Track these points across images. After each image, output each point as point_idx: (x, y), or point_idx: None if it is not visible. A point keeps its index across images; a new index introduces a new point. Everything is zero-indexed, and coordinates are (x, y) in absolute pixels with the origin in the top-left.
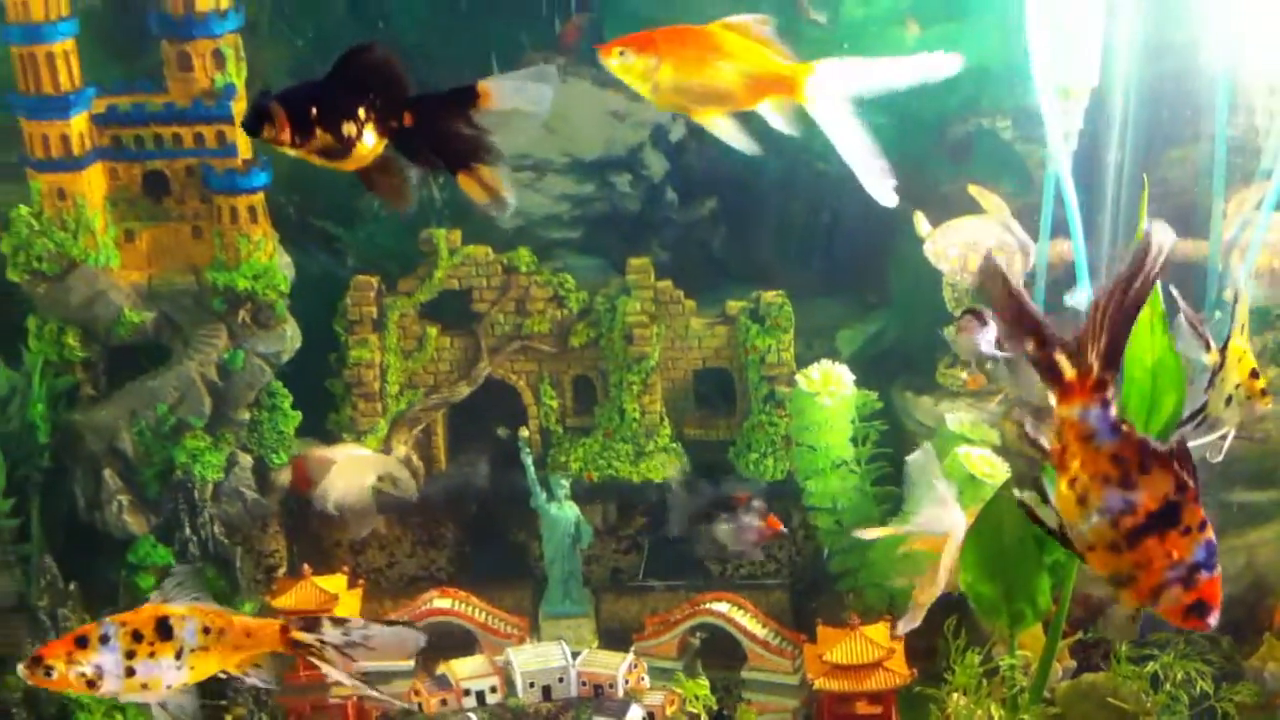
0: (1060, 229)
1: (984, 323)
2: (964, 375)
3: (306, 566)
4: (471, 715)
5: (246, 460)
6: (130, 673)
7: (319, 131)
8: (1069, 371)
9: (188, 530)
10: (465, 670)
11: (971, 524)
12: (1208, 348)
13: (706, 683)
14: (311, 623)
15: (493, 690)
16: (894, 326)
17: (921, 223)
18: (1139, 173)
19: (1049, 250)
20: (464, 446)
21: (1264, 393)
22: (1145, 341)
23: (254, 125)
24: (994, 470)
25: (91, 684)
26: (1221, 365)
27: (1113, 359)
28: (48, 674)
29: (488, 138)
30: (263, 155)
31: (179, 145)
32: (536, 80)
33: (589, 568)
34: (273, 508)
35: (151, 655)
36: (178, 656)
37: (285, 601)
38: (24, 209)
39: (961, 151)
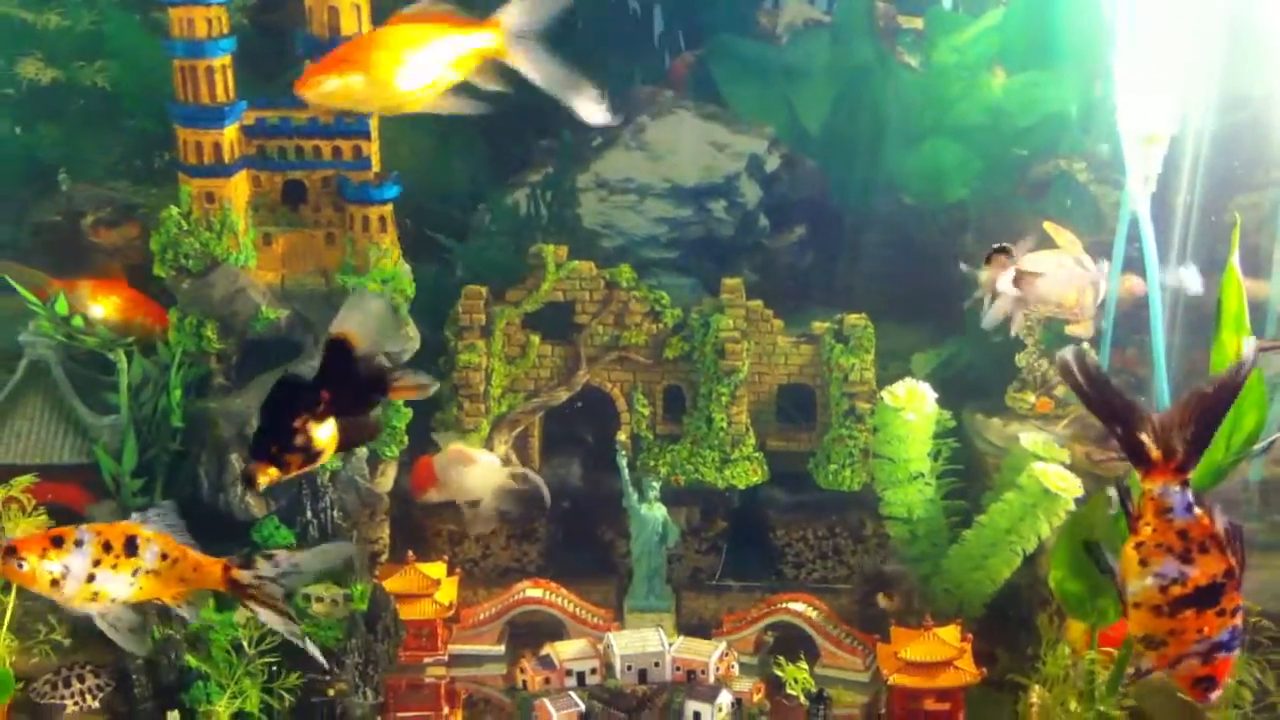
0: (1130, 266)
1: (1012, 260)
2: (1032, 399)
3: (411, 553)
4: (573, 694)
5: (362, 452)
6: (90, 579)
7: (290, 459)
8: (1154, 452)
9: (309, 514)
10: (568, 652)
11: (1063, 526)
12: None
13: (806, 666)
14: (248, 561)
15: (593, 672)
16: (966, 352)
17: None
18: (1209, 216)
19: (1120, 284)
20: (558, 449)
21: None
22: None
23: (251, 483)
24: (1067, 485)
25: (55, 583)
26: None
27: (1198, 447)
28: (20, 565)
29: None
30: (392, 170)
31: (318, 157)
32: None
33: (671, 566)
34: (382, 498)
35: (114, 568)
36: (133, 574)
37: (393, 585)
38: (174, 210)
39: (1040, 191)
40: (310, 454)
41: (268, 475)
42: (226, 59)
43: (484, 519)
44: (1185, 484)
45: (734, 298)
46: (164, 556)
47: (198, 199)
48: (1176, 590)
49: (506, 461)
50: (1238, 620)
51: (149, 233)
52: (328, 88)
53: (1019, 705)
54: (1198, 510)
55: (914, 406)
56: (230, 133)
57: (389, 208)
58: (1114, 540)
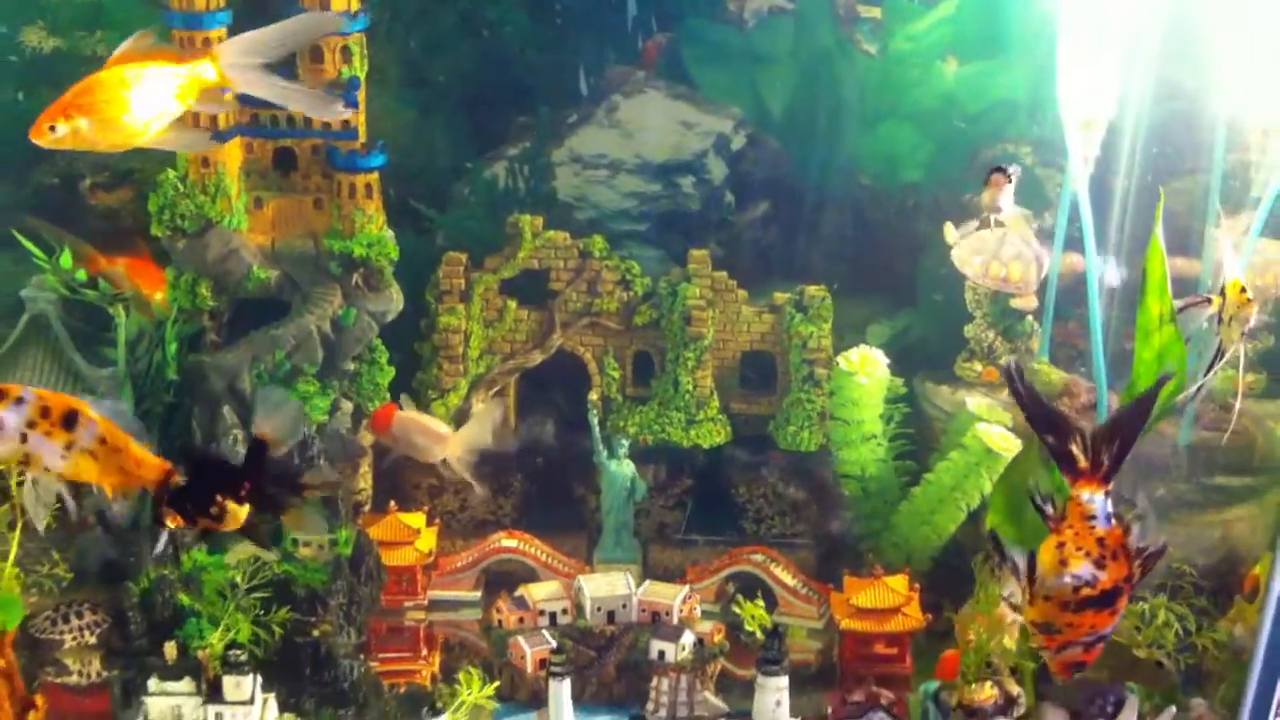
0: (1071, 244)
1: (1010, 180)
2: (979, 368)
3: (393, 503)
4: (545, 633)
5: (348, 406)
6: (23, 439)
7: (200, 519)
8: (1082, 461)
9: (297, 462)
10: (542, 594)
11: (1001, 475)
12: (1209, 301)
13: (763, 603)
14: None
15: (564, 612)
16: (918, 324)
17: (951, 233)
18: (1143, 198)
19: (1061, 261)
20: (533, 408)
21: (1249, 300)
22: (1155, 332)
23: (159, 522)
24: (1008, 445)
25: None
26: (1223, 301)
27: (1119, 460)
28: None
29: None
30: (379, 140)
31: (308, 127)
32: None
33: (639, 521)
34: (365, 450)
35: (47, 434)
36: (66, 448)
37: (376, 532)
38: (172, 173)
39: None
40: (220, 520)
41: (175, 522)
42: (222, 31)
43: (464, 476)
44: (1108, 494)
45: (700, 269)
46: (103, 441)
47: (194, 163)
48: (1087, 591)
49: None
50: (1120, 617)
51: (144, 196)
52: (58, 134)
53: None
54: (1114, 521)
55: (867, 371)
56: (226, 100)
57: (375, 176)
58: (1045, 488)
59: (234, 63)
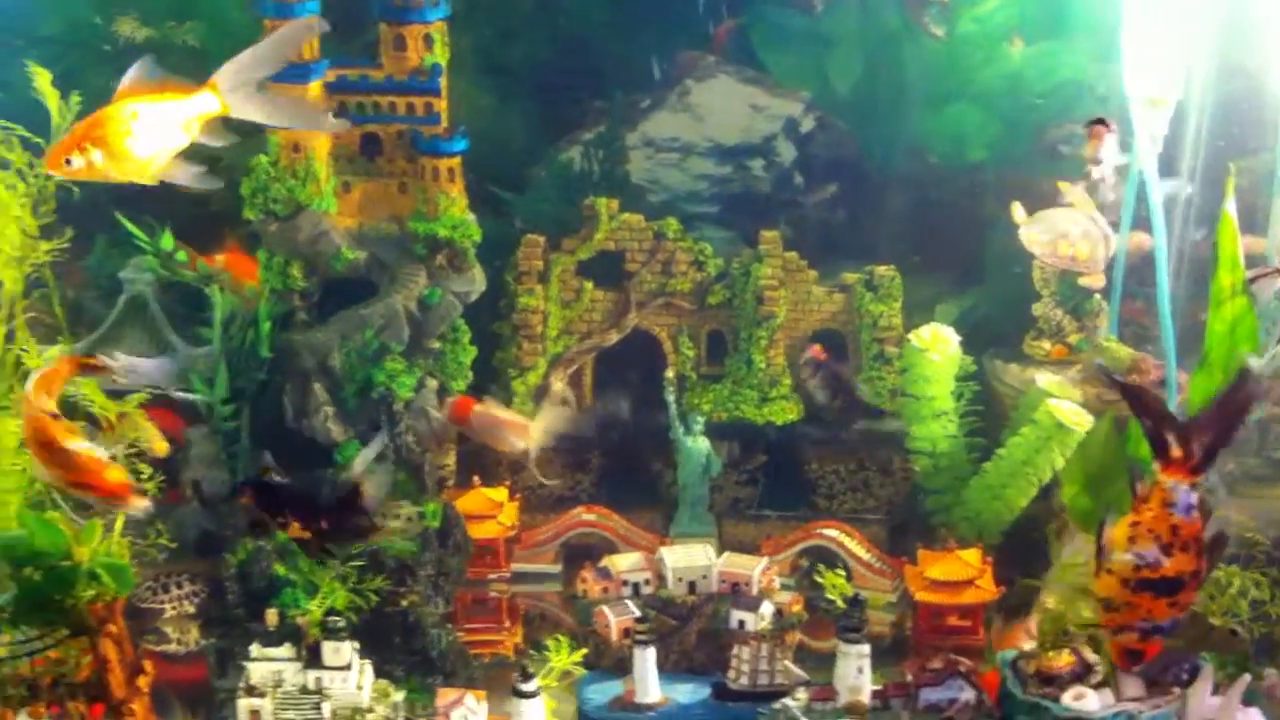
0: (1138, 223)
1: (1110, 130)
2: (1048, 346)
3: (476, 478)
4: (629, 602)
5: (432, 384)
6: None
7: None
8: (1175, 450)
9: (386, 438)
10: (625, 564)
11: (1076, 449)
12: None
13: (844, 573)
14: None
15: (646, 583)
16: (986, 302)
17: (1018, 212)
18: (1210, 176)
19: (1129, 240)
20: (609, 387)
21: None
22: (1227, 303)
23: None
24: (1080, 419)
25: None
26: None
27: (1212, 454)
28: None
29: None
30: (459, 125)
31: (393, 112)
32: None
33: (712, 496)
34: (449, 427)
35: None
36: None
37: (462, 505)
38: (264, 158)
39: (1055, 152)
40: (281, 528)
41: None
42: (312, 20)
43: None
44: (1194, 485)
45: (772, 249)
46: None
47: (285, 149)
48: (1146, 573)
49: (562, 401)
50: (1182, 614)
51: (233, 182)
52: (74, 166)
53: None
54: (1195, 513)
55: (939, 348)
56: (315, 88)
57: (457, 160)
58: (1117, 462)
59: (233, 86)
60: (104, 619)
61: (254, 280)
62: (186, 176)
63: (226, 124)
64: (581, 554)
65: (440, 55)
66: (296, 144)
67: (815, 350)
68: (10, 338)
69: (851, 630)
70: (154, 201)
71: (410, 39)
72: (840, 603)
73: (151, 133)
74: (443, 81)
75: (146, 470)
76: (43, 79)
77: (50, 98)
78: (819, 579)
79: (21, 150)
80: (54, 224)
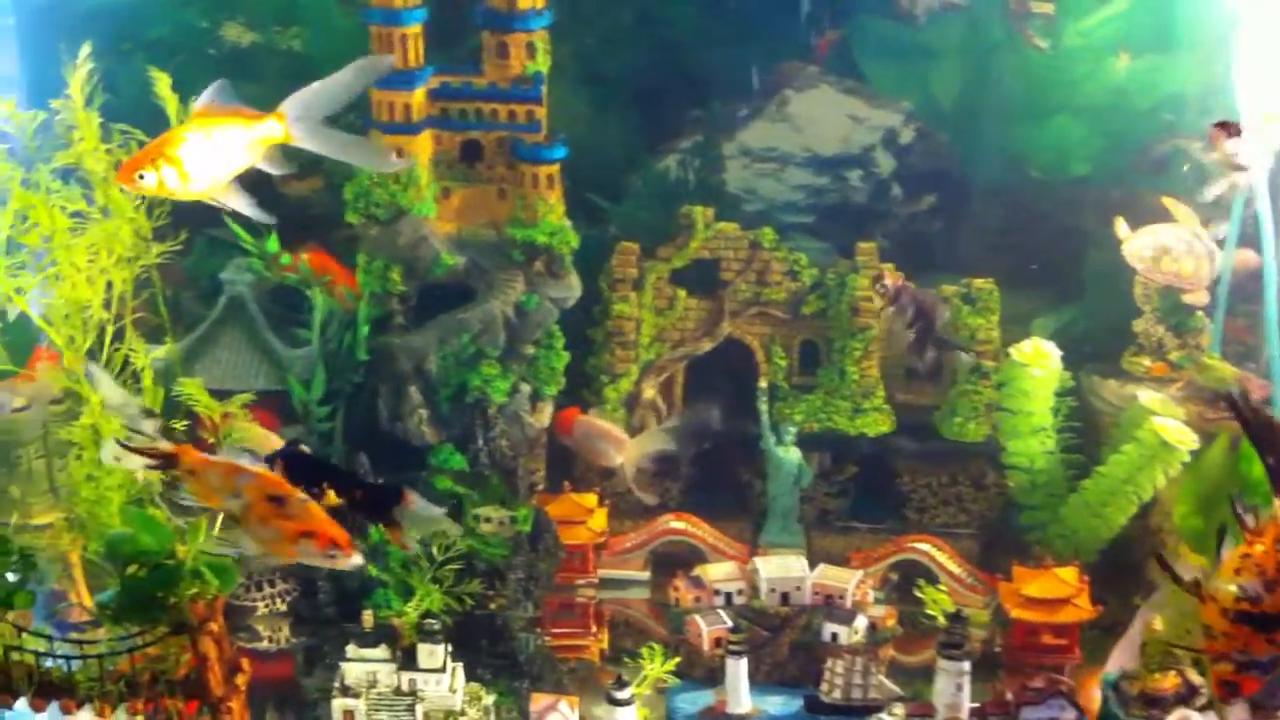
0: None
1: (1234, 134)
2: (1148, 362)
3: (567, 483)
4: (721, 612)
5: (526, 389)
6: None
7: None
8: None
9: (480, 442)
10: (717, 574)
11: (1190, 469)
12: None
13: (945, 588)
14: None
15: (739, 593)
16: (1084, 317)
17: (1121, 227)
18: None
19: (1235, 257)
20: (700, 395)
21: None
22: None
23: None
24: (1185, 438)
25: None
26: None
27: None
28: None
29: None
30: (559, 133)
31: (494, 119)
32: (436, 515)
33: (801, 507)
34: (541, 433)
35: None
36: None
37: (553, 510)
38: None
39: (1159, 168)
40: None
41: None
42: (418, 27)
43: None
44: None
45: (868, 260)
46: None
47: None
48: (1246, 606)
49: (654, 409)
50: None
51: (332, 185)
52: (146, 181)
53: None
54: None
55: (1040, 363)
56: (419, 95)
57: (557, 167)
58: (1231, 484)
59: (299, 117)
60: (205, 617)
61: (333, 277)
62: (241, 204)
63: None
64: (669, 561)
65: (542, 63)
66: (399, 149)
67: (889, 275)
68: (119, 336)
69: (952, 647)
70: (260, 203)
71: (513, 46)
72: (941, 619)
73: (219, 154)
74: (544, 89)
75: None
76: (162, 83)
77: (169, 102)
78: (919, 594)
79: None
80: (165, 226)
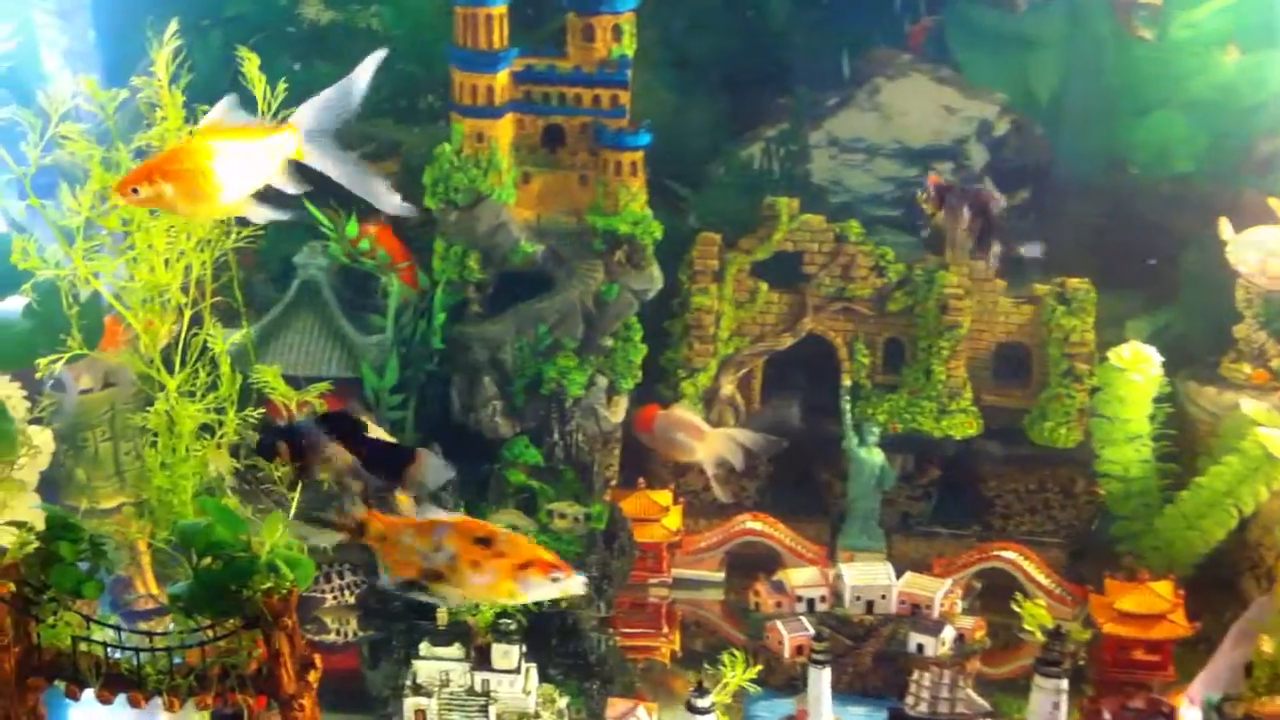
0: None
1: None
2: (1248, 370)
3: (642, 480)
4: (803, 618)
5: (602, 382)
6: None
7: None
8: None
9: (555, 436)
10: (800, 579)
11: None
12: None
13: (1044, 602)
14: None
15: (822, 599)
16: (1181, 321)
17: (1225, 228)
18: None
19: None
20: (779, 391)
21: None
22: None
23: (267, 454)
24: None
25: None
26: None
27: None
28: None
29: (409, 481)
30: (643, 119)
31: (578, 104)
32: (445, 473)
33: (883, 510)
34: (616, 427)
35: None
36: None
37: (627, 507)
38: (447, 147)
39: (1266, 168)
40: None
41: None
42: (503, 8)
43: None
44: None
45: (958, 256)
46: None
47: (469, 138)
48: None
49: (731, 404)
50: None
51: (408, 169)
52: (141, 195)
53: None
54: None
55: (1139, 368)
56: (502, 77)
57: (640, 154)
58: None
59: (313, 129)
60: (280, 612)
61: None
62: (261, 216)
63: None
64: (744, 563)
65: (628, 47)
66: (480, 133)
67: (933, 179)
68: (197, 321)
69: (1050, 664)
70: (336, 186)
71: (599, 30)
72: (1038, 634)
73: (227, 172)
74: (629, 73)
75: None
76: (251, 64)
77: (257, 83)
78: (1017, 607)
79: None
80: None
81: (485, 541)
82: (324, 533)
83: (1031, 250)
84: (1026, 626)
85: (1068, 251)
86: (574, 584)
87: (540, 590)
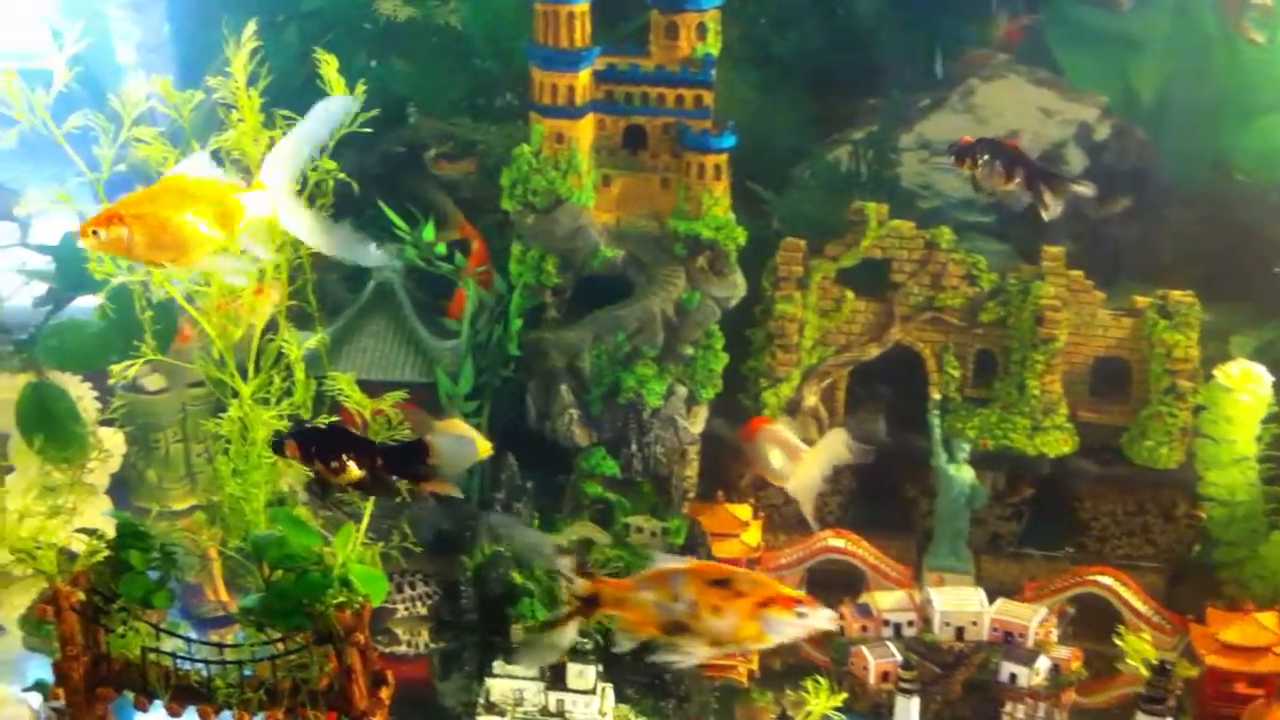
0: None
1: None
2: None
3: (720, 493)
4: (890, 644)
5: (682, 391)
6: None
7: (316, 463)
8: None
9: (634, 447)
10: (887, 603)
11: None
12: None
13: (1149, 636)
14: None
15: (910, 624)
16: None
17: None
18: None
19: None
20: (863, 404)
21: None
22: None
23: (279, 450)
24: None
25: None
26: None
27: None
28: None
29: (436, 470)
30: (728, 120)
31: (661, 104)
32: (465, 446)
33: (972, 529)
34: (696, 438)
35: None
36: None
37: (705, 521)
38: (526, 148)
39: None
40: (336, 474)
41: (293, 452)
42: (585, 6)
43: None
44: None
45: (1055, 266)
46: None
47: (548, 139)
48: None
49: (814, 415)
50: None
51: (485, 169)
52: (100, 238)
53: None
54: None
55: (1248, 388)
56: (583, 77)
57: (725, 157)
58: None
59: (280, 182)
60: (352, 627)
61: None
62: (232, 272)
63: None
64: (825, 580)
65: (713, 45)
66: (560, 133)
67: (964, 139)
68: (272, 326)
69: (1154, 701)
70: (411, 188)
71: (683, 27)
72: (1143, 669)
73: (193, 224)
74: (714, 73)
75: None
76: (329, 65)
77: (336, 85)
78: (1119, 642)
79: None
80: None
81: (723, 583)
82: (561, 631)
83: (1085, 188)
84: (1130, 661)
85: (1170, 261)
86: (820, 618)
87: (786, 629)
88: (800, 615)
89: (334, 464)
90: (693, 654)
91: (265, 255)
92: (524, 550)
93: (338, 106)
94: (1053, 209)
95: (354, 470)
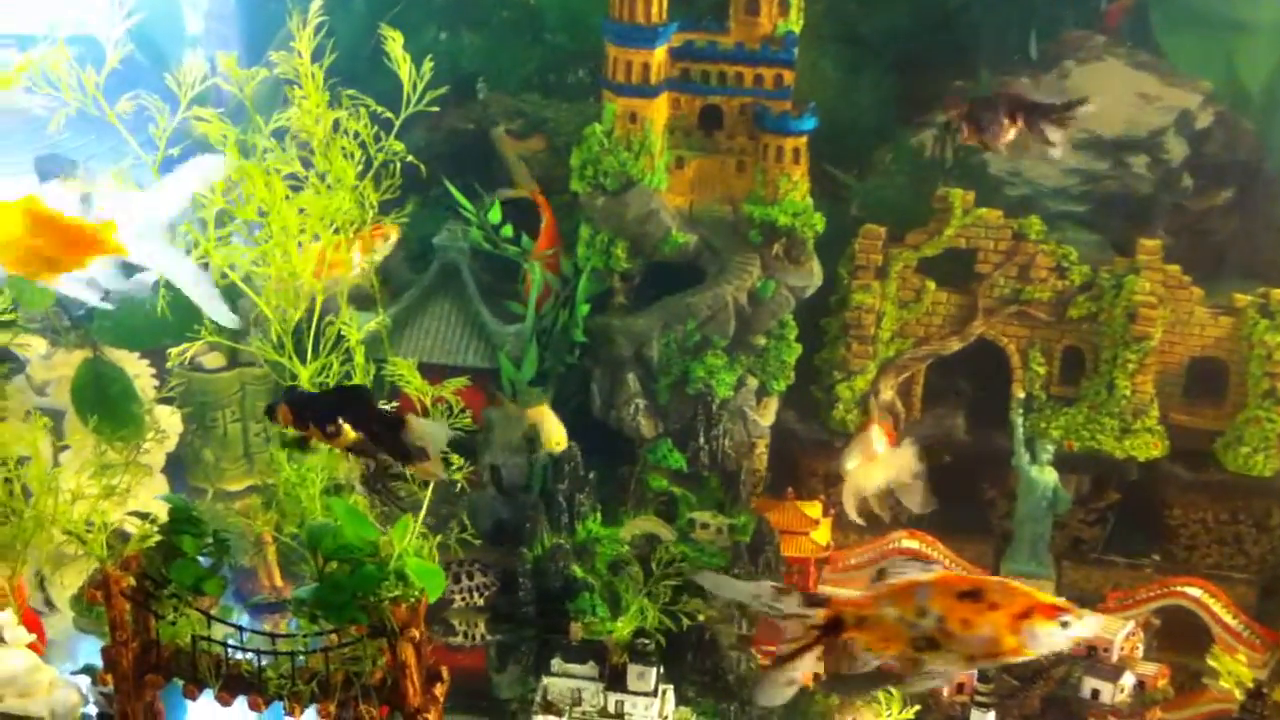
0: None
1: None
2: None
3: (790, 490)
4: None
5: (753, 383)
6: None
7: (311, 426)
8: None
9: (701, 440)
10: None
11: None
12: None
13: (1244, 657)
14: None
15: None
16: None
17: None
18: None
19: None
20: (942, 399)
21: None
22: None
23: (271, 416)
24: None
25: None
26: None
27: None
28: None
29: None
30: (809, 101)
31: (739, 84)
32: (437, 430)
33: (1053, 534)
34: (765, 431)
35: None
36: None
37: (774, 518)
38: (597, 127)
39: None
40: (326, 435)
41: (286, 420)
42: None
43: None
44: None
45: (1151, 260)
46: None
47: (621, 118)
48: None
49: (890, 410)
50: None
51: (554, 148)
52: None
53: None
54: None
55: None
56: (659, 54)
57: (804, 140)
58: None
59: (136, 231)
60: (407, 622)
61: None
62: (87, 296)
63: None
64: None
65: (795, 23)
66: (634, 113)
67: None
68: (331, 308)
69: None
70: (478, 166)
71: (765, 3)
72: (1237, 692)
73: (39, 248)
74: (795, 52)
75: (457, 460)
76: (394, 43)
77: (401, 64)
78: (1213, 662)
79: (370, 122)
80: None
81: (973, 595)
82: (800, 664)
83: (1088, 106)
84: (1223, 684)
85: (1273, 258)
86: (1087, 626)
87: (1050, 640)
88: (1064, 625)
89: (329, 428)
90: (948, 672)
91: (114, 287)
92: (748, 602)
93: (209, 166)
94: (1059, 145)
95: (350, 432)
